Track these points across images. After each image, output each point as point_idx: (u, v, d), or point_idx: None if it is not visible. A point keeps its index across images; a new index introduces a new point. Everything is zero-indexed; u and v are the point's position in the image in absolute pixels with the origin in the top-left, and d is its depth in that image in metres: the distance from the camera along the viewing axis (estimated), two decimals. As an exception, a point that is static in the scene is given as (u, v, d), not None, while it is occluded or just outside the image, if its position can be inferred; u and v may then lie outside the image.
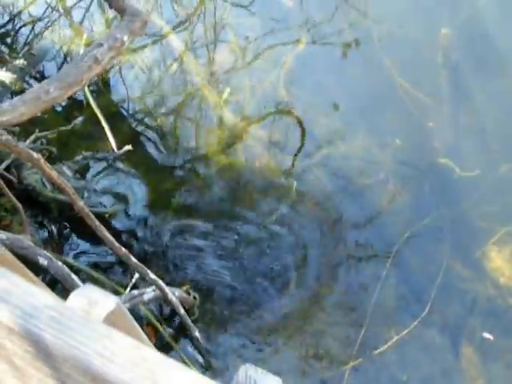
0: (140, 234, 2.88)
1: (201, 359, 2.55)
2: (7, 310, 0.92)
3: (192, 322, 2.55)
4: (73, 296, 1.14)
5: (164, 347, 2.52)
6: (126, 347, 0.87)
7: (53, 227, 2.85)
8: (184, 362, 2.47)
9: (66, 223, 2.88)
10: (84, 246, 2.83)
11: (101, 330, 0.91)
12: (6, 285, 0.97)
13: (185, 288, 2.67)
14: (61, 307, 0.95)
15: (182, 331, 2.59)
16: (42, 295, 0.97)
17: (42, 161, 1.87)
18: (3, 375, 1.01)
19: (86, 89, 3.08)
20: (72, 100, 3.30)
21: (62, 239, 2.83)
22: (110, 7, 2.16)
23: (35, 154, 1.86)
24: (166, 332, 2.57)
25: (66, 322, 0.92)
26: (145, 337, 1.29)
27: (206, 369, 2.53)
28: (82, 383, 0.88)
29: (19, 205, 2.25)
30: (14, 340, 0.93)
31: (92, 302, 1.11)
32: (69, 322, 0.92)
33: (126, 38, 2.09)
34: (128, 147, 2.92)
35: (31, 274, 1.96)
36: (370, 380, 2.51)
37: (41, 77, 3.44)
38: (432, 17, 3.67)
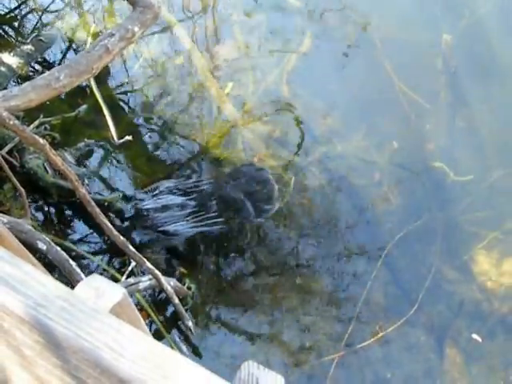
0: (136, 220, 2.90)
1: (192, 347, 2.59)
2: (18, 300, 0.92)
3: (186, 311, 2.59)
4: (80, 286, 1.15)
5: (156, 334, 2.56)
6: (135, 341, 0.88)
7: (52, 212, 2.87)
8: (176, 349, 2.52)
9: (65, 208, 2.90)
10: (82, 231, 2.86)
11: (110, 323, 0.91)
12: (17, 274, 0.97)
13: (180, 270, 2.71)
14: (71, 298, 0.94)
15: (174, 319, 2.62)
16: (53, 285, 0.96)
17: (48, 147, 1.85)
18: (10, 365, 1.01)
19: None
20: (76, 88, 3.30)
21: (61, 224, 2.85)
22: (122, -2, 2.18)
23: (41, 140, 1.83)
24: (158, 319, 2.61)
25: (76, 314, 0.92)
26: (146, 328, 1.32)
27: (197, 356, 2.58)
28: (90, 375, 0.89)
29: (22, 189, 2.25)
30: (24, 330, 0.93)
31: (99, 292, 1.11)
32: (79, 313, 0.92)
33: (136, 29, 2.11)
34: (128, 137, 2.95)
35: (30, 255, 1.98)
36: (354, 374, 2.54)
37: (47, 63, 3.43)
38: (434, 21, 3.67)
